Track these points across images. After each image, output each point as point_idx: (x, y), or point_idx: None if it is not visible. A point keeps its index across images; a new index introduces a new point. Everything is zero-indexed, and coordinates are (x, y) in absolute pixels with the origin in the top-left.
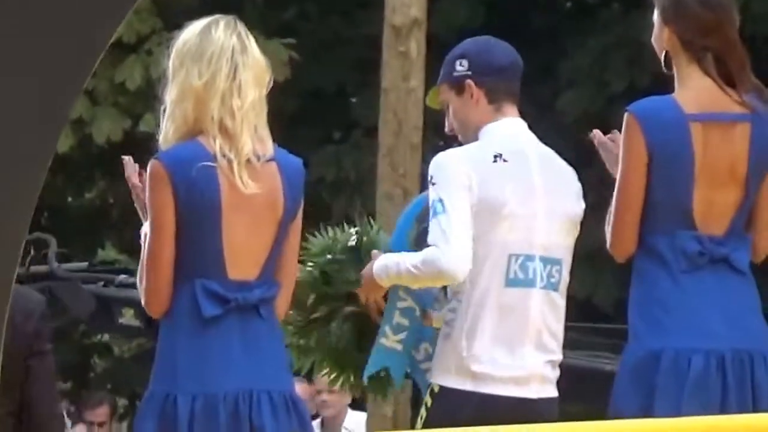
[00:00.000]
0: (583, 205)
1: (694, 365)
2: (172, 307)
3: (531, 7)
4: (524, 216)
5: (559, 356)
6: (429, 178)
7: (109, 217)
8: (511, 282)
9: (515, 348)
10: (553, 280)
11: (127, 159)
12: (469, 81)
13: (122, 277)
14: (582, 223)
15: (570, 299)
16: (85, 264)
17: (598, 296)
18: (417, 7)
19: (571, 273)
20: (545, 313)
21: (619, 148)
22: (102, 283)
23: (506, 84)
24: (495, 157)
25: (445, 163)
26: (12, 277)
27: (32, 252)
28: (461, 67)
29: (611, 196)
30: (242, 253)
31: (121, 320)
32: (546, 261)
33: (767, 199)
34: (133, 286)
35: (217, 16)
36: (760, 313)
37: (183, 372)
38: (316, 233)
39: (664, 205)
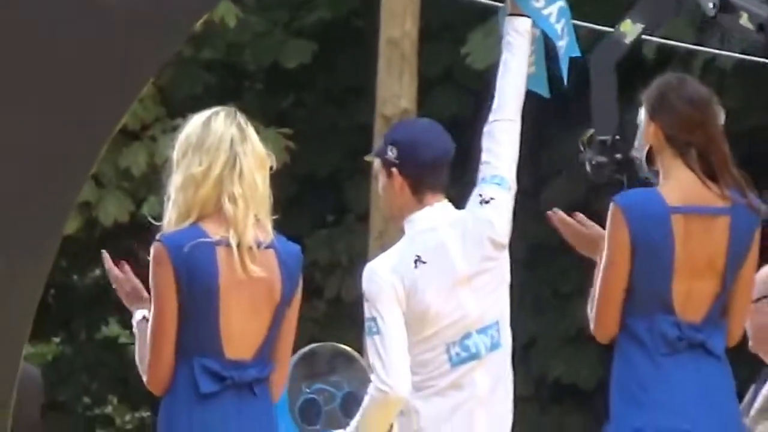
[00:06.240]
0: (501, 228)
1: None
2: (171, 384)
3: None
4: (451, 309)
5: (509, 414)
6: (363, 292)
7: (113, 295)
8: (455, 362)
9: (465, 415)
10: (494, 340)
11: (104, 254)
12: (394, 170)
13: None
14: (565, 306)
15: (555, 382)
16: None
17: (582, 377)
18: (407, 98)
19: (555, 356)
20: (495, 376)
21: (589, 229)
22: None
23: (432, 176)
24: (415, 261)
25: (374, 278)
26: (21, 349)
27: None
28: (391, 153)
29: (591, 279)
30: (239, 335)
31: None
32: (483, 331)
33: (742, 288)
34: None
35: (218, 108)
36: (735, 398)
37: None
38: None
39: (645, 292)
